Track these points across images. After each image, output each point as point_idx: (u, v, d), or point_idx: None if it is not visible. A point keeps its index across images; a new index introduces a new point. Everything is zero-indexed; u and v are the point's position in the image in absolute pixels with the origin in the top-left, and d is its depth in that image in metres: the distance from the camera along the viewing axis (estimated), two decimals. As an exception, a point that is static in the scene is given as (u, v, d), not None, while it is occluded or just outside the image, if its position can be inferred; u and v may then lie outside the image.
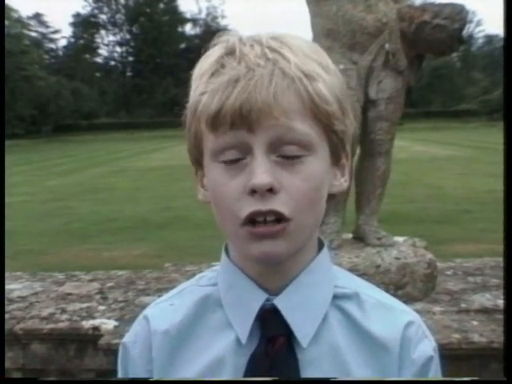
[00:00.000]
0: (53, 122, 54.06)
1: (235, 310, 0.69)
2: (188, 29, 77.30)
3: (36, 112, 49.94)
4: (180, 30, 76.44)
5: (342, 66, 2.77)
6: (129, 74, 76.17)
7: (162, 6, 75.00)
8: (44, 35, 68.54)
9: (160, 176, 14.80)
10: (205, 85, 0.63)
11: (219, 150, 0.63)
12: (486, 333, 2.38)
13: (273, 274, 0.67)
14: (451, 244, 5.97)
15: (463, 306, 2.71)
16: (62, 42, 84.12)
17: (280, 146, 0.61)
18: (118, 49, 76.65)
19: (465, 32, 2.80)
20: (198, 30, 74.42)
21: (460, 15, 2.67)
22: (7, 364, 2.59)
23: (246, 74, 0.60)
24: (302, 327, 0.67)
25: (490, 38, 71.29)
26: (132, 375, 0.73)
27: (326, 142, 0.65)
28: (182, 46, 72.53)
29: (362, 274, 2.61)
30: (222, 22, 73.26)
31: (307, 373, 0.66)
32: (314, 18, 2.92)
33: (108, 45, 76.98)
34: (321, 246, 0.73)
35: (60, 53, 73.34)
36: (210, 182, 0.66)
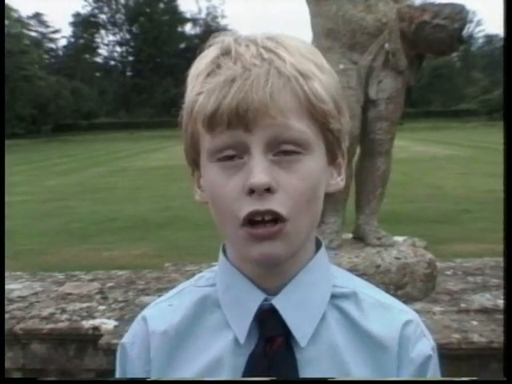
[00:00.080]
0: (53, 122, 54.06)
1: (233, 311, 0.69)
2: (188, 29, 77.45)
3: (36, 112, 49.96)
4: (180, 29, 76.47)
5: (341, 66, 2.77)
6: (129, 73, 76.18)
7: (161, 5, 75.00)
8: (44, 35, 68.56)
9: (160, 176, 14.80)
10: (201, 85, 0.63)
11: (216, 149, 0.63)
12: (485, 333, 2.39)
13: (271, 274, 0.67)
14: (451, 244, 5.97)
15: (463, 305, 2.71)
16: (62, 42, 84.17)
17: (277, 145, 0.61)
18: (117, 48, 76.78)
19: (465, 32, 2.80)
20: (197, 30, 74.48)
21: (460, 15, 2.67)
22: (7, 364, 2.59)
23: (242, 73, 0.61)
24: (300, 327, 0.67)
25: (489, 38, 71.32)
26: (130, 376, 0.73)
27: (322, 141, 0.65)
28: (182, 45, 72.53)
29: (362, 274, 2.61)
30: (222, 22, 73.41)
31: (306, 372, 0.66)
32: (314, 18, 2.92)
33: (108, 44, 77.08)
34: (318, 245, 0.73)
35: (60, 52, 73.40)
36: (207, 182, 0.66)
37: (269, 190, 0.60)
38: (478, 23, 69.99)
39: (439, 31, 2.66)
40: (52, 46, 71.62)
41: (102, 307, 2.93)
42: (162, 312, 0.74)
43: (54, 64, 67.95)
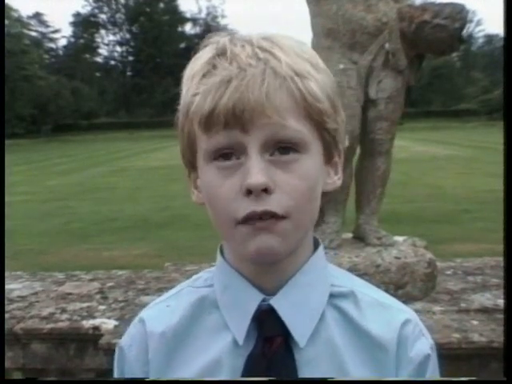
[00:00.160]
0: (53, 122, 54.06)
1: (231, 311, 0.69)
2: (188, 28, 77.47)
3: (36, 111, 49.97)
4: (180, 29, 76.46)
5: (341, 66, 2.77)
6: (129, 73, 76.17)
7: (162, 5, 74.99)
8: (44, 35, 68.56)
9: (160, 175, 14.80)
10: (197, 86, 0.63)
11: (213, 150, 0.63)
12: (485, 332, 2.38)
13: (269, 274, 0.67)
14: (451, 243, 5.97)
15: (463, 305, 2.71)
16: (62, 42, 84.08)
17: (274, 144, 0.62)
18: (118, 48, 76.77)
19: (465, 32, 2.80)
20: (198, 30, 74.43)
21: (460, 15, 2.67)
22: (7, 364, 2.59)
23: (238, 74, 0.61)
24: (299, 327, 0.67)
25: (489, 38, 71.30)
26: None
27: (318, 140, 0.65)
28: (182, 45, 72.48)
29: (362, 274, 2.61)
30: (222, 22, 73.42)
31: (305, 373, 0.66)
32: (314, 18, 2.92)
33: (108, 44, 77.08)
34: (316, 245, 0.73)
35: (60, 52, 73.38)
36: (204, 183, 0.66)
37: (266, 191, 0.60)
38: (478, 23, 70.05)
39: (439, 31, 2.66)
40: (52, 45, 71.72)
41: (102, 307, 2.93)
42: (160, 313, 0.74)
43: (54, 64, 67.94)
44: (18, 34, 48.79)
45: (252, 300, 0.68)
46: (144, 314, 0.76)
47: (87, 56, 74.00)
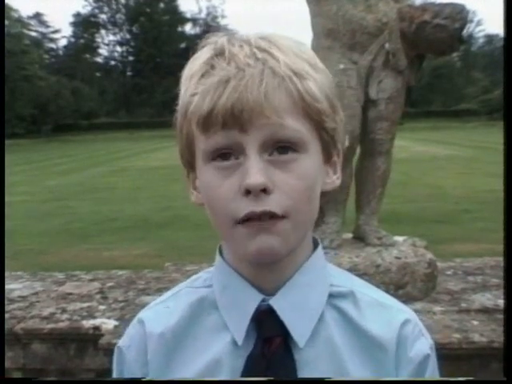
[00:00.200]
0: (53, 122, 54.06)
1: (231, 312, 0.69)
2: (188, 28, 77.45)
3: (36, 112, 49.97)
4: (180, 29, 76.48)
5: (342, 66, 2.77)
6: (129, 73, 76.19)
7: (162, 5, 75.00)
8: (44, 35, 68.56)
9: (160, 175, 14.79)
10: (195, 86, 0.63)
11: (211, 150, 0.63)
12: (486, 332, 2.38)
13: (268, 274, 0.67)
14: (451, 244, 5.97)
15: (463, 305, 2.71)
16: (63, 42, 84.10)
17: (272, 144, 0.61)
18: (118, 48, 76.76)
19: (465, 32, 2.80)
20: (198, 30, 74.40)
21: (460, 15, 2.67)
22: (7, 364, 2.59)
23: (237, 74, 0.61)
24: (298, 327, 0.67)
25: (490, 38, 71.30)
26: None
27: (317, 140, 0.65)
28: (182, 45, 72.46)
29: (363, 274, 2.61)
30: (222, 22, 73.42)
31: (304, 373, 0.66)
32: (315, 18, 2.92)
33: (108, 44, 77.07)
34: (315, 245, 0.73)
35: (60, 52, 73.38)
36: (202, 183, 0.66)
37: (265, 191, 0.60)
38: (479, 23, 70.05)
39: (440, 31, 2.66)
40: (52, 45, 71.72)
41: (102, 307, 2.93)
42: (159, 314, 0.74)
43: (55, 64, 67.95)
44: (18, 34, 48.80)
45: (251, 300, 0.67)
46: (143, 314, 0.75)
47: (87, 56, 74.01)
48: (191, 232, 7.10)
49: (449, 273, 3.32)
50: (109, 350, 2.37)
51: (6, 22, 41.41)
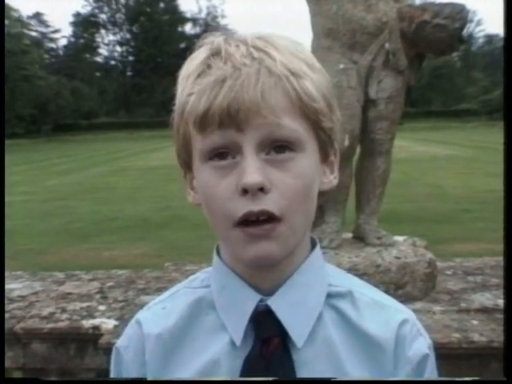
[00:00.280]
0: (53, 122, 54.07)
1: (228, 312, 0.68)
2: (188, 28, 77.44)
3: (36, 111, 49.97)
4: (180, 29, 76.49)
5: (342, 66, 2.77)
6: (129, 73, 76.18)
7: (162, 5, 75.02)
8: (44, 35, 68.55)
9: (160, 175, 14.78)
10: (191, 86, 0.63)
11: (208, 150, 0.62)
12: (486, 332, 2.39)
13: (266, 274, 0.67)
14: (451, 243, 5.97)
15: (463, 305, 2.71)
16: (62, 42, 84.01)
17: (269, 144, 0.61)
18: (118, 48, 76.77)
19: (465, 31, 2.80)
20: (198, 30, 74.39)
21: (460, 14, 2.67)
22: (7, 363, 2.59)
23: (233, 73, 0.61)
24: (296, 327, 0.67)
25: (490, 38, 71.30)
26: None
27: (314, 139, 0.65)
28: (182, 45, 72.42)
29: (362, 274, 2.61)
30: (222, 22, 73.42)
31: (303, 373, 0.66)
32: (314, 18, 2.92)
33: (108, 44, 77.08)
34: (313, 244, 0.72)
35: (60, 52, 73.39)
36: (199, 183, 0.66)
37: (262, 190, 0.60)
38: (479, 23, 70.06)
39: (439, 31, 2.66)
40: (52, 45, 71.71)
41: (102, 307, 2.93)
42: (156, 315, 0.73)
43: (54, 64, 67.94)
44: (18, 34, 48.79)
45: (249, 301, 0.67)
46: (140, 315, 0.75)
47: (87, 56, 73.98)
48: (191, 232, 7.10)
49: (449, 272, 3.32)
50: (109, 350, 2.36)
51: (6, 22, 41.38)
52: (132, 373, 0.72)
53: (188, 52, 0.68)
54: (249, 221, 0.61)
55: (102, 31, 76.15)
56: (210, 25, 70.39)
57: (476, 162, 15.58)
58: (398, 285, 2.70)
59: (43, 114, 51.47)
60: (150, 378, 0.71)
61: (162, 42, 69.83)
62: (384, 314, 0.70)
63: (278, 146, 0.62)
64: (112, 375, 0.75)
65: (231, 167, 0.62)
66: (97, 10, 74.81)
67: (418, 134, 33.95)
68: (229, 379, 0.67)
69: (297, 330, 0.66)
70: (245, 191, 0.60)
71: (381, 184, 2.97)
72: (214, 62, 0.63)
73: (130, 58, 76.49)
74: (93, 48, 75.43)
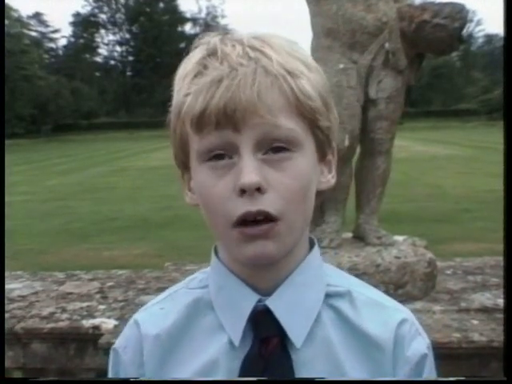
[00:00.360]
0: (52, 122, 54.07)
1: (227, 313, 0.68)
2: (188, 28, 77.37)
3: (36, 111, 49.97)
4: (180, 29, 76.43)
5: (341, 65, 2.77)
6: (129, 73, 76.16)
7: (161, 5, 74.99)
8: (44, 35, 68.54)
9: (160, 175, 14.77)
10: (188, 86, 0.63)
11: (205, 150, 0.62)
12: (485, 332, 2.39)
13: (264, 274, 0.67)
14: (451, 243, 5.97)
15: (463, 305, 2.71)
16: (62, 42, 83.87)
17: (266, 144, 0.61)
18: (117, 48, 76.74)
19: (465, 31, 2.80)
20: (197, 30, 74.33)
21: (460, 14, 2.67)
22: (7, 363, 2.59)
23: (229, 73, 0.60)
24: (295, 327, 0.66)
25: (489, 38, 71.30)
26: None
27: (311, 139, 0.65)
28: (182, 45, 72.31)
29: (362, 273, 2.61)
30: (222, 22, 73.41)
31: (302, 373, 0.66)
32: (314, 18, 2.92)
33: (108, 44, 77.05)
34: (312, 244, 0.72)
35: (60, 52, 73.34)
36: (197, 183, 0.66)
37: (259, 190, 0.60)
38: (478, 23, 70.04)
39: (439, 30, 2.66)
40: (52, 45, 71.69)
41: (102, 306, 2.93)
42: (154, 316, 0.73)
43: (54, 64, 67.91)
44: (17, 34, 48.81)
45: (247, 301, 0.67)
46: (138, 316, 0.75)
47: (87, 56, 73.95)
48: (191, 232, 7.10)
49: (448, 272, 3.32)
50: (109, 350, 2.36)
51: (6, 22, 41.37)
52: (130, 373, 0.72)
53: (184, 53, 0.68)
54: (246, 221, 0.61)
55: (102, 31, 76.22)
56: (210, 25, 70.39)
57: (476, 162, 15.58)
58: (397, 284, 2.70)
59: (43, 114, 51.48)
60: (148, 379, 0.70)
61: (161, 42, 69.81)
62: (383, 314, 0.70)
63: (275, 146, 0.62)
64: (110, 376, 0.74)
65: (228, 167, 0.61)
66: (96, 10, 74.83)
67: (418, 133, 33.94)
68: (228, 379, 0.67)
69: (295, 330, 0.66)
70: (242, 191, 0.60)
71: (381, 184, 2.97)
72: (210, 62, 0.63)
73: (130, 58, 76.48)
74: (92, 48, 75.40)
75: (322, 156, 0.68)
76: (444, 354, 2.16)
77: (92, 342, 2.57)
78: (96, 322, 2.69)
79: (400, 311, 0.71)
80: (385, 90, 2.84)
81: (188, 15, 76.79)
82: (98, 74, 74.01)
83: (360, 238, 2.99)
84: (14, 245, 6.20)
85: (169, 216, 8.58)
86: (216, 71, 0.61)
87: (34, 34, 63.74)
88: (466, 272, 3.34)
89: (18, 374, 2.69)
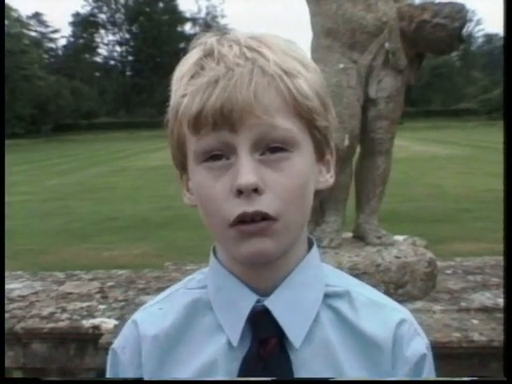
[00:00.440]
0: (52, 122, 54.08)
1: (225, 313, 0.68)
2: (188, 28, 77.37)
3: (36, 111, 49.98)
4: (179, 29, 76.41)
5: (341, 65, 2.77)
6: (128, 73, 76.16)
7: (161, 5, 74.99)
8: (43, 35, 68.55)
9: (160, 175, 14.77)
10: (185, 87, 0.63)
11: (202, 151, 0.62)
12: (486, 331, 2.38)
13: (262, 274, 0.67)
14: (451, 243, 5.97)
15: (463, 304, 2.71)
16: (62, 42, 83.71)
17: (264, 144, 0.61)
18: (117, 48, 76.77)
19: (464, 31, 2.80)
20: (197, 30, 74.29)
21: (460, 14, 2.67)
22: (7, 363, 2.59)
23: (226, 74, 0.60)
24: (293, 328, 0.66)
25: (489, 37, 71.32)
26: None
27: (309, 139, 0.65)
28: (182, 45, 72.32)
29: (362, 273, 2.61)
30: (222, 22, 73.40)
31: (300, 373, 0.66)
32: (314, 17, 2.92)
33: (108, 44, 77.07)
34: (310, 244, 0.72)
35: (59, 52, 73.34)
36: (195, 184, 0.66)
37: (256, 191, 0.60)
38: (478, 22, 70.09)
39: (439, 30, 2.66)
40: (52, 45, 71.70)
41: (102, 306, 2.93)
42: (153, 316, 0.73)
43: (54, 64, 67.93)
44: (17, 34, 48.81)
45: (246, 301, 0.67)
46: (137, 316, 0.75)
47: (87, 56, 73.94)
48: (191, 231, 7.09)
49: (449, 272, 3.32)
50: (109, 350, 2.37)
51: (6, 22, 41.37)
52: (129, 374, 0.72)
53: (182, 53, 0.68)
54: (243, 221, 0.61)
55: (102, 31, 76.24)
56: (209, 25, 70.38)
57: (476, 162, 15.58)
58: (398, 284, 2.70)
59: (43, 114, 51.48)
60: (147, 379, 0.70)
61: (161, 42, 69.81)
62: (381, 314, 0.70)
63: (272, 146, 0.61)
64: (108, 376, 0.74)
65: (226, 168, 0.61)
66: (96, 10, 74.84)
67: (418, 133, 33.95)
68: (226, 379, 0.66)
69: (294, 331, 0.66)
70: (239, 192, 0.60)
71: (381, 183, 2.97)
72: (206, 62, 0.62)
73: (130, 58, 76.48)
74: (92, 48, 75.40)
75: (320, 156, 0.68)
76: (444, 353, 2.17)
77: (92, 341, 2.57)
78: (96, 321, 2.69)
79: (399, 311, 0.71)
80: (385, 89, 2.84)
81: (187, 15, 76.92)
82: (97, 73, 74.01)
83: (360, 237, 2.99)
84: (14, 245, 6.20)
85: (169, 216, 8.58)
86: (212, 72, 0.61)
87: (33, 34, 63.81)
88: (466, 272, 3.34)
89: (18, 374, 2.69)
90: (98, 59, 77.53)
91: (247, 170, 0.59)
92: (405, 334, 0.69)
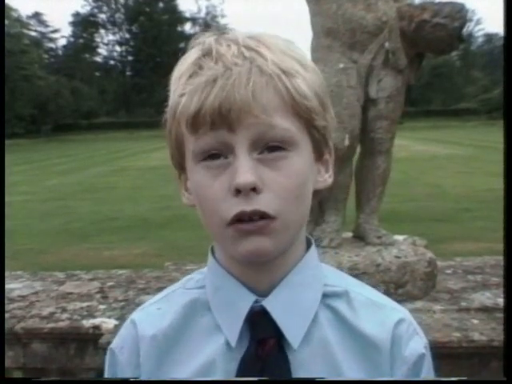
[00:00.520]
0: (52, 122, 54.08)
1: (223, 313, 0.68)
2: (187, 28, 77.33)
3: (36, 111, 49.99)
4: (179, 29, 76.36)
5: (341, 65, 2.77)
6: (128, 73, 76.14)
7: (161, 5, 74.97)
8: (43, 34, 68.53)
9: (160, 175, 14.75)
10: (183, 86, 0.63)
11: (201, 151, 0.62)
12: (486, 331, 2.39)
13: (260, 274, 0.67)
14: (451, 243, 5.97)
15: (463, 304, 2.71)
16: (62, 42, 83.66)
17: (262, 143, 0.61)
18: (117, 48, 76.72)
19: (464, 30, 2.80)
20: (197, 30, 74.28)
21: (460, 14, 2.67)
22: (8, 363, 2.59)
23: (224, 73, 0.60)
24: (292, 328, 0.66)
25: (489, 37, 71.30)
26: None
27: (307, 138, 0.65)
28: (182, 45, 72.27)
29: (363, 273, 2.61)
30: (222, 21, 73.40)
31: (299, 374, 0.65)
32: (314, 17, 2.92)
33: (107, 44, 77.03)
34: (309, 244, 0.72)
35: (59, 52, 73.32)
36: (193, 183, 0.66)
37: (254, 190, 0.60)
38: (478, 22, 70.07)
39: (439, 30, 2.66)
40: (52, 45, 71.66)
41: (102, 306, 2.93)
42: (151, 316, 0.73)
43: (54, 64, 67.92)
44: (17, 34, 48.82)
45: (244, 301, 0.67)
46: (135, 316, 0.75)
47: (87, 56, 73.92)
48: (191, 231, 7.09)
49: (449, 272, 3.32)
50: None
51: (6, 22, 41.36)
52: (127, 374, 0.71)
53: (181, 53, 0.68)
54: (241, 220, 0.61)
55: (102, 31, 76.20)
56: (209, 24, 70.37)
57: (476, 161, 15.58)
58: (398, 284, 2.70)
59: (43, 113, 51.48)
60: (146, 379, 0.70)
61: (161, 42, 69.78)
62: (380, 314, 0.70)
63: (270, 146, 0.61)
64: (106, 376, 0.74)
65: (224, 167, 0.61)
66: (96, 10, 74.80)
67: (418, 133, 33.94)
68: (224, 379, 0.66)
69: (292, 331, 0.66)
70: (237, 191, 0.60)
71: (381, 183, 2.97)
72: (205, 62, 0.62)
73: (130, 58, 76.44)
74: (92, 48, 75.38)
75: (318, 155, 0.68)
76: (444, 353, 2.17)
77: (92, 341, 2.57)
78: (96, 321, 2.69)
79: (397, 311, 0.71)
80: (385, 89, 2.84)
81: (187, 15, 76.86)
82: (97, 73, 73.97)
83: (360, 237, 2.99)
84: (14, 245, 6.20)
85: (169, 216, 8.58)
86: (211, 71, 0.61)
87: (33, 33, 63.80)
88: (466, 271, 3.34)
89: (18, 374, 2.69)
90: (98, 59, 77.61)
91: (245, 170, 0.59)
92: (403, 334, 0.68)
